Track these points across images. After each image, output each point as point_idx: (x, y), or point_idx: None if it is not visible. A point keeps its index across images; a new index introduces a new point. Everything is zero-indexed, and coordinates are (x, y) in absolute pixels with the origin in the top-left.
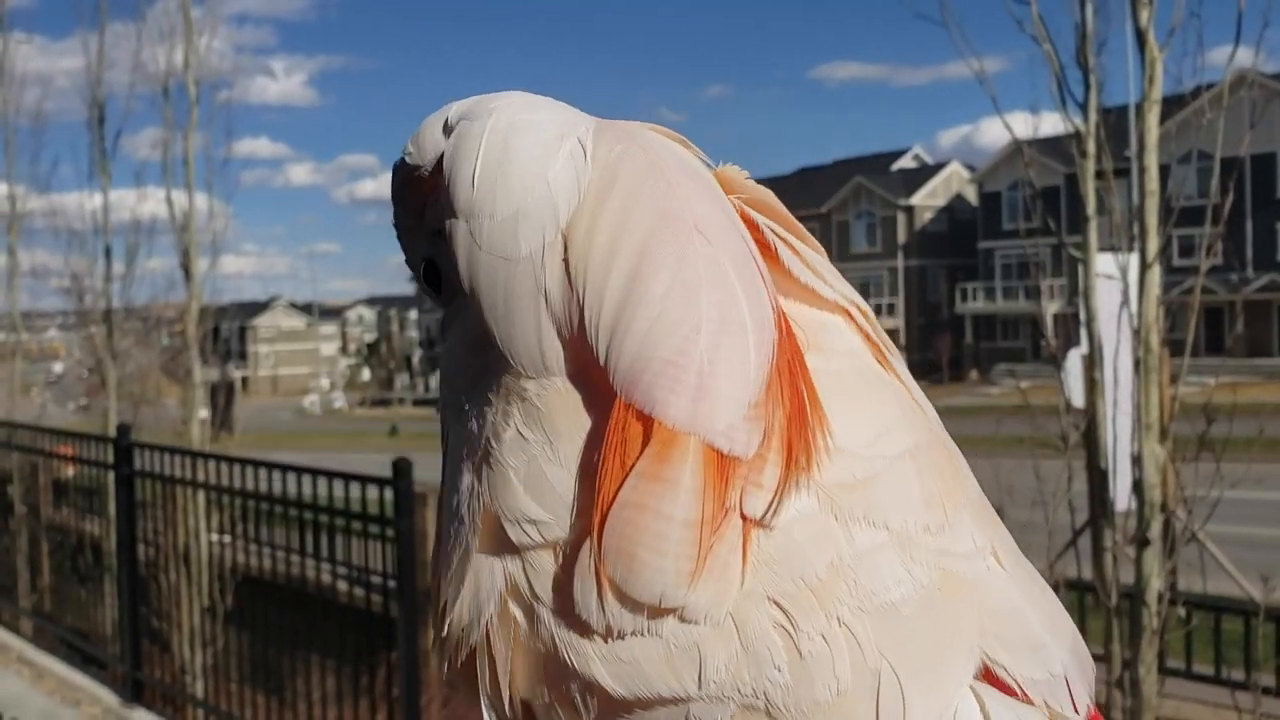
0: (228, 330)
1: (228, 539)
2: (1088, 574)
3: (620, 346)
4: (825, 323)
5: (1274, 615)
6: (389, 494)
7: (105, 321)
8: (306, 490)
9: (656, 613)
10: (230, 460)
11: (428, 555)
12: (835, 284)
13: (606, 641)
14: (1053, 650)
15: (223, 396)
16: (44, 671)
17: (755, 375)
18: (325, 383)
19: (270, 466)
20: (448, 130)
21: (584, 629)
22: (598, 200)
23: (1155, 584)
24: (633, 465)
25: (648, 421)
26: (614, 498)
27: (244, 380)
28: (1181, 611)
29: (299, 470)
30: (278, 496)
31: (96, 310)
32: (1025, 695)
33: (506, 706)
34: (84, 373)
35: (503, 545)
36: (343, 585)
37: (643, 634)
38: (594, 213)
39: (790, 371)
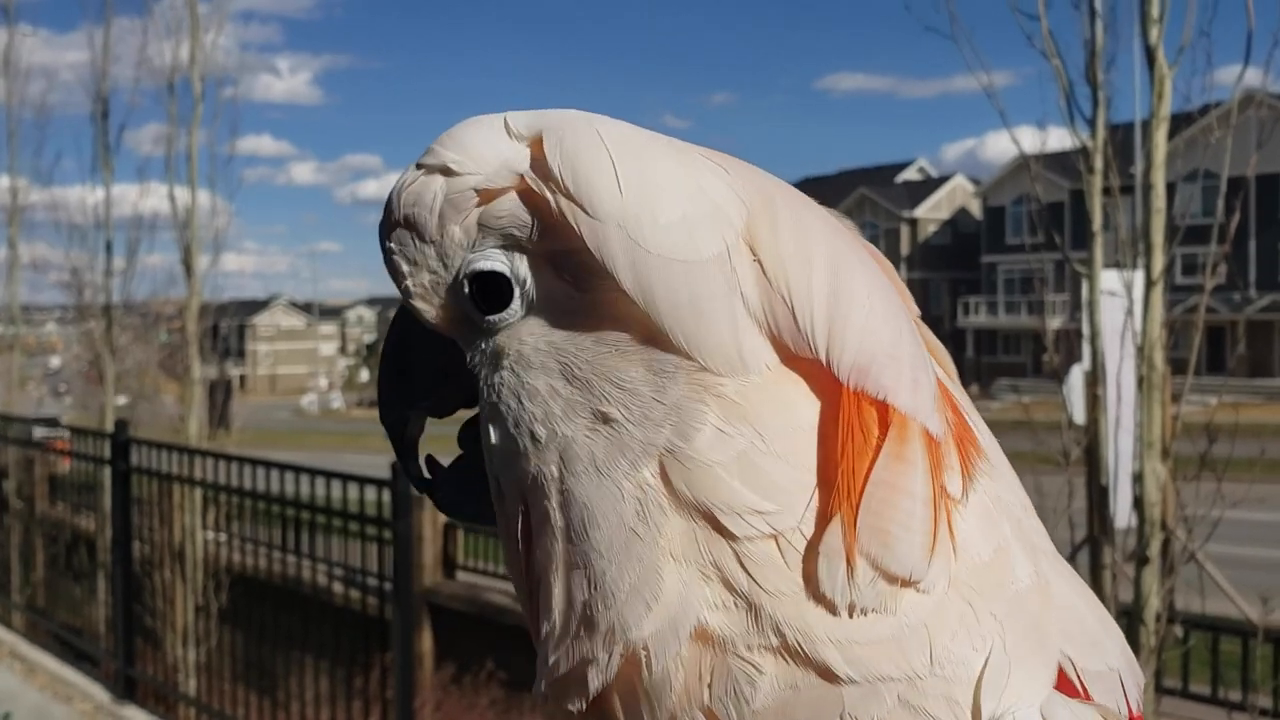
0: (227, 328)
1: (223, 537)
2: None
3: (843, 341)
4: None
5: (1272, 637)
6: (386, 496)
7: (104, 316)
8: (303, 490)
9: (904, 585)
10: (227, 458)
11: (423, 558)
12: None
13: (848, 619)
14: (1108, 646)
15: (221, 394)
16: (36, 667)
17: (931, 370)
18: (324, 382)
19: (267, 465)
20: (515, 138)
21: (825, 609)
22: (766, 208)
23: (1153, 602)
24: (877, 447)
25: (881, 408)
26: (866, 478)
27: (242, 379)
28: (1179, 631)
29: (295, 470)
30: (274, 496)
31: (96, 305)
32: (1084, 688)
33: None
34: (84, 366)
35: (709, 544)
36: (338, 586)
37: (882, 611)
38: (772, 220)
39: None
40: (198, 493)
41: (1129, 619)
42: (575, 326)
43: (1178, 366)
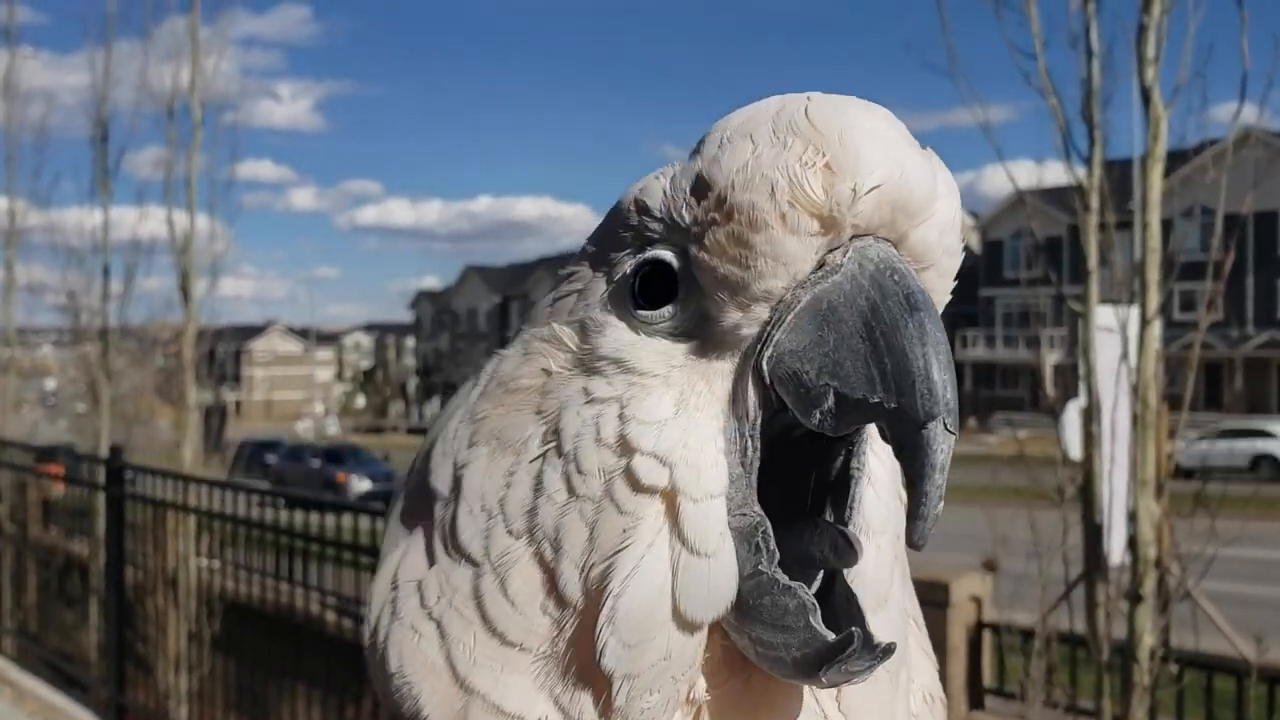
0: (223, 353)
1: (216, 564)
2: (1080, 628)
3: None
4: None
5: (1266, 675)
6: (379, 524)
7: (100, 340)
8: (297, 518)
9: None
10: (221, 485)
11: None
12: None
13: None
14: None
15: (216, 420)
16: (26, 693)
17: None
18: (320, 408)
19: (261, 492)
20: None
21: None
22: None
23: (1147, 640)
24: None
25: None
26: None
27: (238, 404)
28: (1173, 669)
29: (289, 497)
30: (268, 523)
31: (92, 328)
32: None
33: None
34: (80, 390)
35: None
36: (331, 615)
37: None
38: None
39: None
40: (191, 519)
41: (1123, 656)
42: None
43: (1175, 402)
